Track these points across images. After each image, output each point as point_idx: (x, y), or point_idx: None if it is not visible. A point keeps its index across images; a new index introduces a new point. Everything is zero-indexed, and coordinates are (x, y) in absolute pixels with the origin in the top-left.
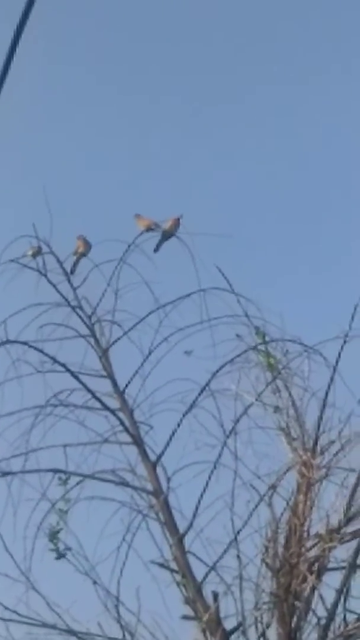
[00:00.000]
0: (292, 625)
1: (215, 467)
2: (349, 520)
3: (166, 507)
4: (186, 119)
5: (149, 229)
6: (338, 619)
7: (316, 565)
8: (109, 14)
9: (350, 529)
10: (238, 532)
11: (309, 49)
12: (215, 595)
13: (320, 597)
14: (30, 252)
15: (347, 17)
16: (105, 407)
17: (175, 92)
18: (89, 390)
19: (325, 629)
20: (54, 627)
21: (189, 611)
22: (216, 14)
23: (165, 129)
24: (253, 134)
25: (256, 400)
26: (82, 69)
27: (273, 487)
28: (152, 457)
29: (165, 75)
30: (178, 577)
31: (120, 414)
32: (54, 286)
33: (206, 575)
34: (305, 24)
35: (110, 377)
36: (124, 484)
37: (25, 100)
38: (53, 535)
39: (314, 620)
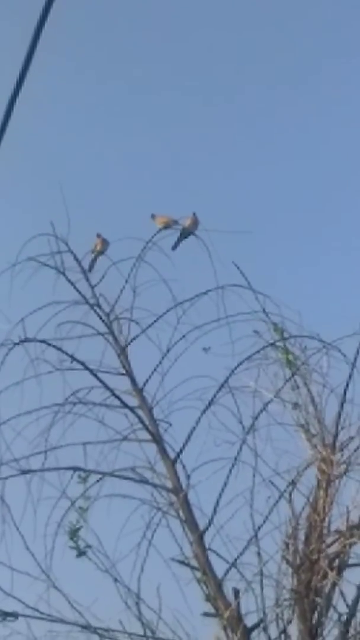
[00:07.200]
0: (313, 621)
1: (234, 464)
2: None
3: (186, 504)
4: (202, 117)
5: (167, 227)
6: (359, 615)
7: (336, 561)
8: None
9: None
10: (258, 529)
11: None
12: (236, 592)
13: (341, 593)
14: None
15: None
16: (124, 405)
17: (191, 91)
18: (107, 388)
19: (346, 625)
20: (74, 624)
21: (209, 608)
22: None
23: (182, 126)
24: (270, 130)
25: (275, 396)
26: (103, 70)
27: (293, 484)
28: (172, 455)
29: (182, 73)
30: (198, 574)
31: (139, 412)
32: (72, 284)
33: (227, 572)
34: None
35: (129, 374)
36: (144, 481)
37: (42, 99)
38: (73, 533)
39: (335, 616)
